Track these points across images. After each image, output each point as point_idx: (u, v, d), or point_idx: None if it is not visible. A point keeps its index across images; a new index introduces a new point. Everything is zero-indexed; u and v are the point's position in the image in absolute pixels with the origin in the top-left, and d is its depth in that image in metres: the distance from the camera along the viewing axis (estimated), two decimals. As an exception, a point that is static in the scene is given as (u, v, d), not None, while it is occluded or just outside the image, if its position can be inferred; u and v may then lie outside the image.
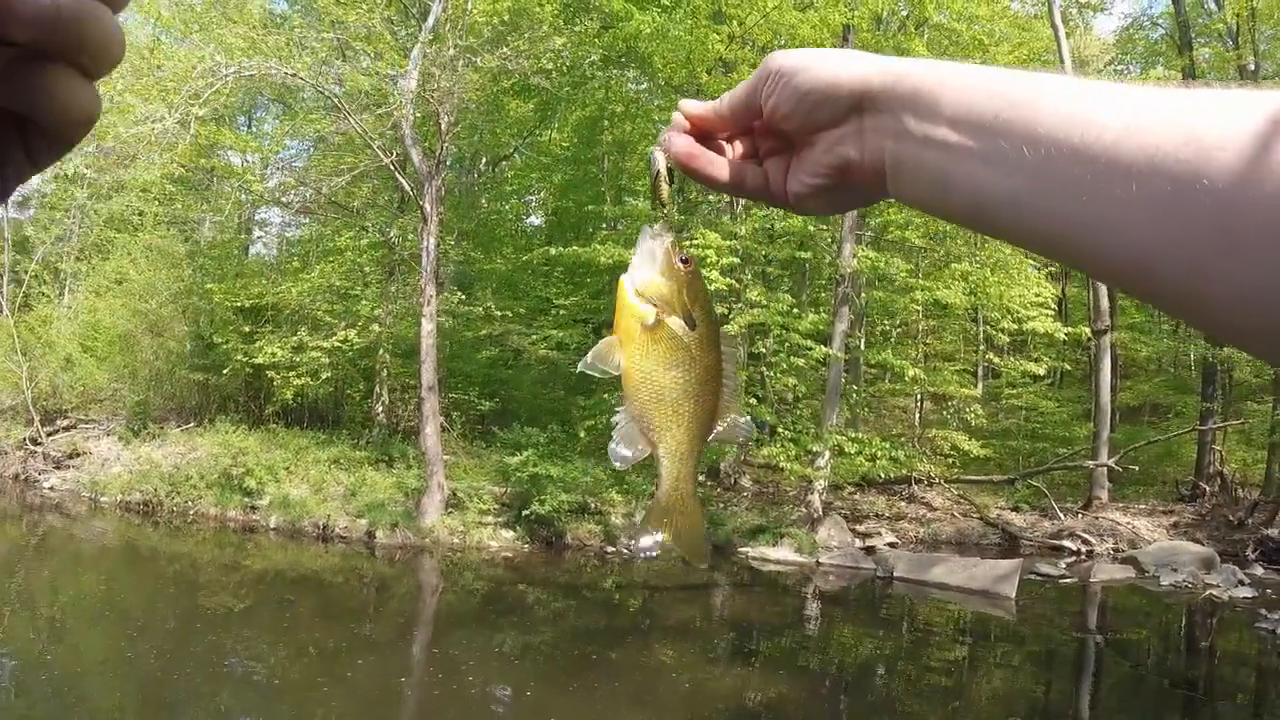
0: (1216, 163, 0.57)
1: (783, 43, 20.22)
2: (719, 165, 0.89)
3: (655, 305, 0.94)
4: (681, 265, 0.95)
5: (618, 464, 0.99)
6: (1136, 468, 21.85)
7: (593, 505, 17.95)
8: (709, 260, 17.86)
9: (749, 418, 1.03)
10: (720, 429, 0.98)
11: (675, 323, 0.94)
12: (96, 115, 0.51)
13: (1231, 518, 20.52)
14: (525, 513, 17.11)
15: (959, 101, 0.71)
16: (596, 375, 0.96)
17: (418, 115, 18.32)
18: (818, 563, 17.17)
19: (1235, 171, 0.56)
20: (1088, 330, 22.57)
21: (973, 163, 0.69)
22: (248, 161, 26.55)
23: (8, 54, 0.47)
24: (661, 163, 0.92)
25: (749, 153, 0.90)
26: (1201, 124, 0.58)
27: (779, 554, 17.48)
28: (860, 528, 19.45)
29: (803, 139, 0.84)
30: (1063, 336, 21.70)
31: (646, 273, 0.95)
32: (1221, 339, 0.66)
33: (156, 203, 27.68)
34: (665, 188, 0.94)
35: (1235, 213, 0.56)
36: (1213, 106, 0.59)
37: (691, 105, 0.91)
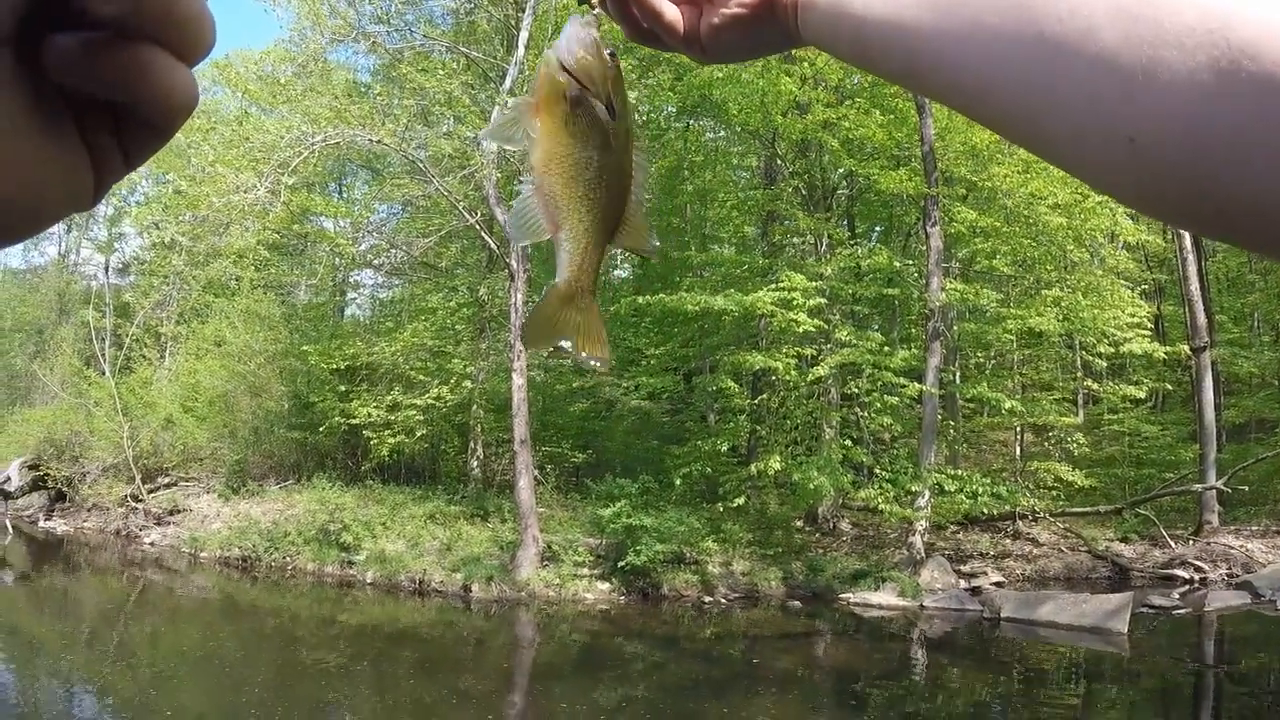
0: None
1: (855, 82, 20.16)
2: None
3: (579, 81, 0.87)
4: (609, 55, 0.89)
5: (514, 240, 0.98)
6: (1247, 488, 21.10)
7: (688, 555, 17.84)
8: (796, 303, 17.78)
9: (654, 236, 0.98)
10: (625, 235, 0.92)
11: (597, 105, 0.88)
12: (195, 101, 0.49)
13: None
14: (620, 564, 17.07)
15: None
16: (498, 144, 0.95)
17: (500, 175, 18.61)
18: (922, 606, 16.81)
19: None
20: (1186, 348, 21.93)
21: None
22: (339, 226, 27.18)
23: (96, 38, 0.44)
24: None
25: None
26: None
27: (881, 598, 17.15)
28: (964, 568, 19.00)
29: None
30: (1162, 356, 21.11)
31: (573, 48, 0.88)
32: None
33: (253, 268, 28.50)
34: None
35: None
36: None
37: None
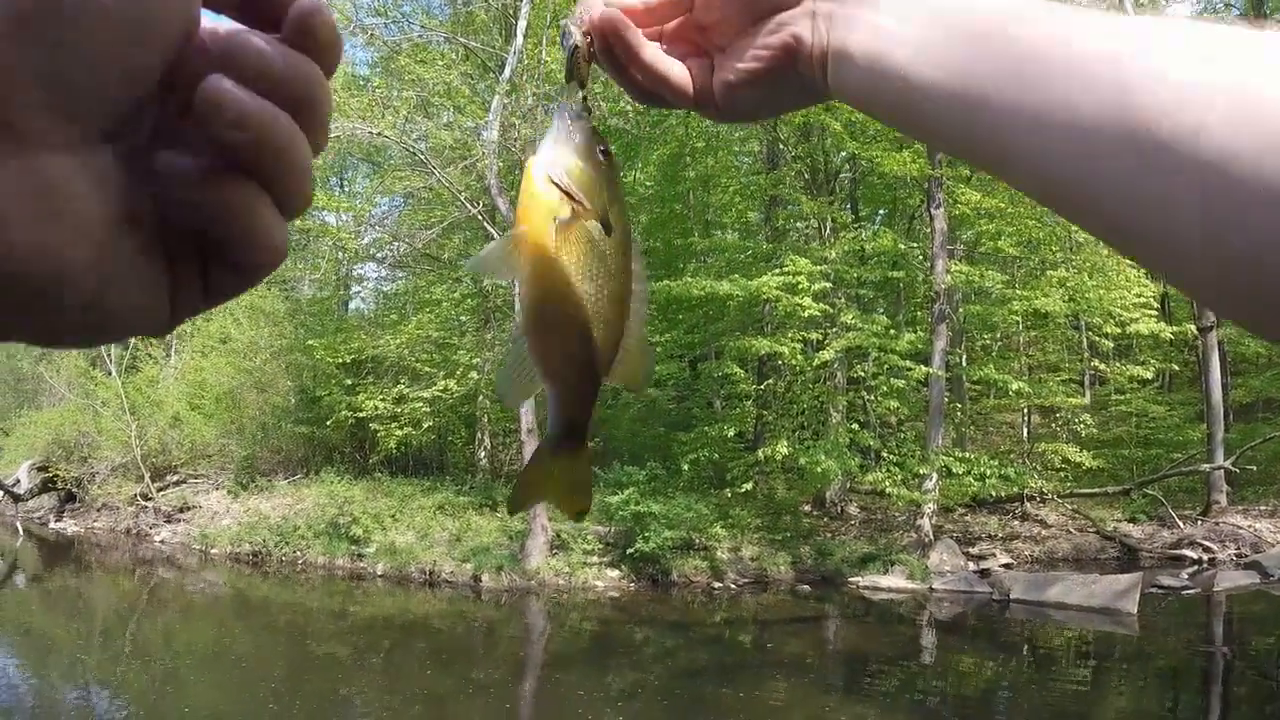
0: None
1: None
2: (648, 49, 0.76)
3: (569, 196, 0.75)
4: (602, 155, 0.78)
5: (508, 403, 0.87)
6: (1255, 468, 21.06)
7: (697, 541, 17.86)
8: (801, 287, 17.76)
9: (653, 360, 0.87)
10: (621, 365, 0.81)
11: (591, 223, 0.76)
12: (282, 258, 0.47)
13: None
14: (629, 551, 17.10)
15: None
16: (486, 280, 0.85)
17: (502, 165, 18.58)
18: (931, 589, 16.82)
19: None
20: (1193, 328, 21.88)
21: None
22: (342, 220, 27.15)
23: (211, 165, 0.43)
24: (578, 35, 0.77)
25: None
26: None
27: (890, 582, 17.17)
28: (973, 550, 19.01)
29: (732, 32, 0.76)
30: (1169, 336, 21.05)
31: (562, 157, 0.76)
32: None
33: (257, 265, 28.42)
34: (584, 65, 0.78)
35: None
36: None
37: None
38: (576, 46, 0.77)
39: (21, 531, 24.60)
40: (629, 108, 20.19)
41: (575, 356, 0.78)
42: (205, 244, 0.46)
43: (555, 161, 0.76)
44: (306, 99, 0.45)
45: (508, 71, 18.44)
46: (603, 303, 0.77)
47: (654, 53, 0.76)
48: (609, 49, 0.76)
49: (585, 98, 0.80)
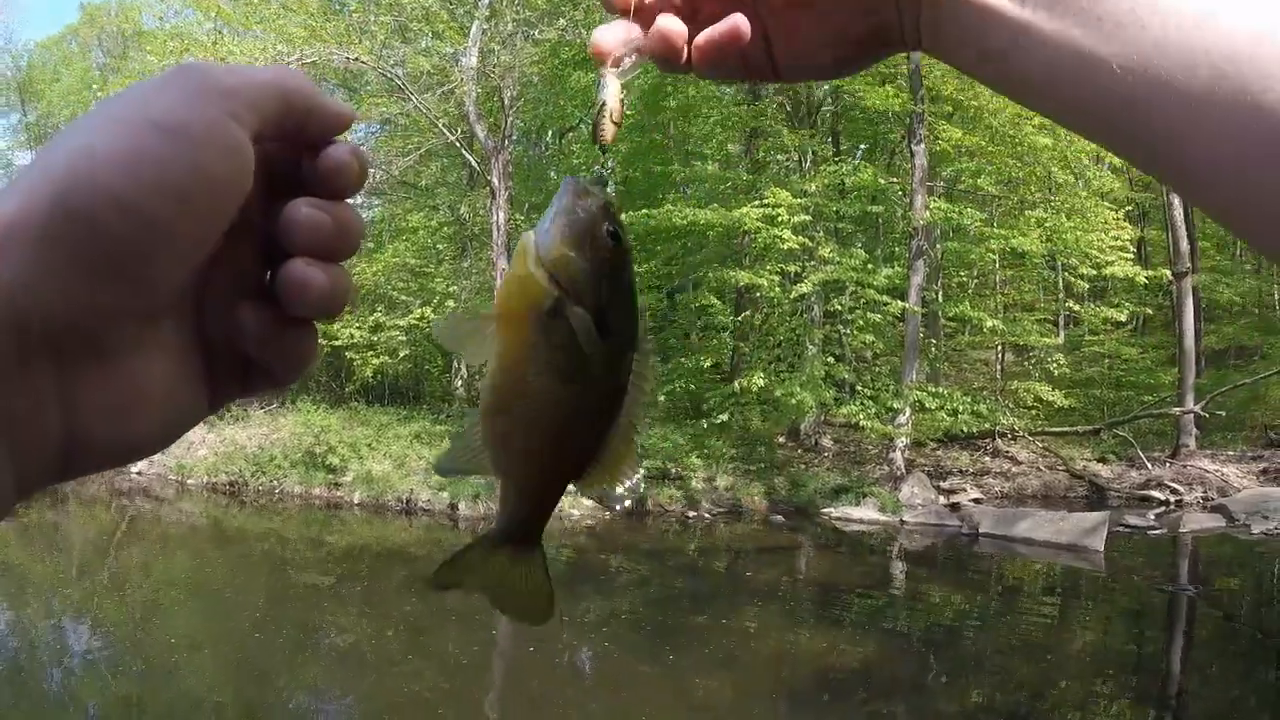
0: None
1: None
2: (701, 45, 0.68)
3: (560, 286, 0.64)
4: (609, 240, 0.65)
5: (443, 475, 0.72)
6: (1224, 413, 21.32)
7: (673, 471, 18.00)
8: (780, 219, 17.71)
9: (640, 475, 0.72)
10: (595, 478, 0.69)
11: (580, 318, 0.63)
12: (312, 364, 0.55)
13: (1326, 461, 19.97)
14: (605, 480, 17.18)
15: None
16: (450, 353, 0.71)
17: (480, 91, 18.39)
18: (902, 521, 17.04)
19: None
20: (1168, 274, 21.99)
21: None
22: (317, 146, 26.79)
23: (277, 317, 0.51)
24: (614, 88, 0.69)
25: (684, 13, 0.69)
26: None
27: (862, 513, 17.37)
28: (944, 484, 19.23)
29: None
30: (1143, 281, 21.14)
31: (559, 237, 0.65)
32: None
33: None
34: (611, 125, 0.69)
35: None
36: None
37: None
38: (605, 103, 0.69)
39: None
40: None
41: (537, 458, 0.67)
42: (250, 359, 0.53)
43: (550, 242, 0.65)
44: (350, 246, 0.52)
45: (487, -4, 18.16)
46: (583, 407, 0.66)
47: (707, 42, 0.68)
48: (669, 64, 0.69)
49: (604, 165, 0.71)
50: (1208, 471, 19.93)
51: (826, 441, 21.68)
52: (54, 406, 0.44)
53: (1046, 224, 20.06)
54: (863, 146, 26.38)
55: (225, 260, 0.49)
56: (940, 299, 22.27)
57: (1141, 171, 0.63)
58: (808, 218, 18.48)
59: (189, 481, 20.69)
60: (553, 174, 28.03)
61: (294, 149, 0.52)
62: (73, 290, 0.42)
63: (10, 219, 0.41)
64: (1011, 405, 21.34)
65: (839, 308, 19.77)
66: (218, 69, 0.47)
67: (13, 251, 0.41)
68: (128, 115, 0.44)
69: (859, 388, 19.22)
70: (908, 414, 18.58)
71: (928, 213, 18.86)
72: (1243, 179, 0.54)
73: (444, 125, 19.22)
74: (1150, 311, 27.51)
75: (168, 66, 0.58)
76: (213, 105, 0.45)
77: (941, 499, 18.34)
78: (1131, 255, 22.33)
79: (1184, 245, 22.30)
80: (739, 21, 0.66)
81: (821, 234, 19.82)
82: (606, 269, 0.65)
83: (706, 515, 17.45)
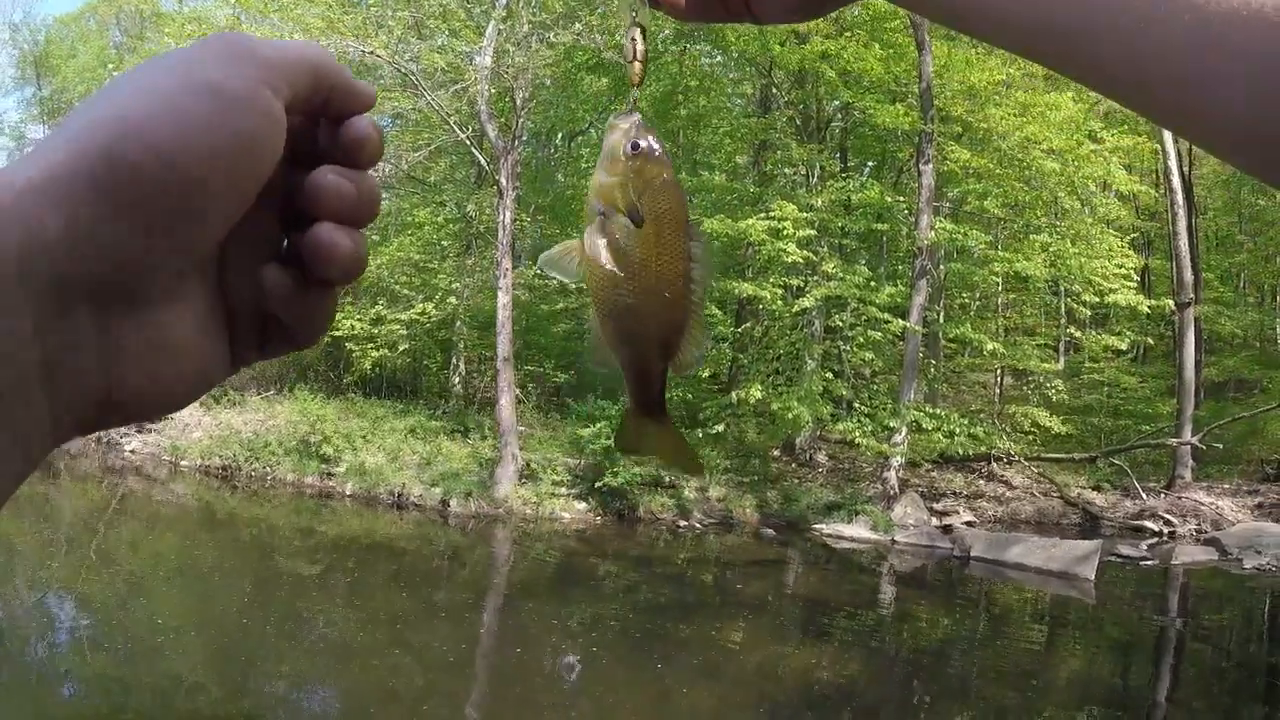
0: None
1: (855, 13, 19.89)
2: None
3: (603, 202, 0.81)
4: (630, 151, 0.80)
5: (596, 369, 0.90)
6: (1221, 445, 21.25)
7: (666, 479, 17.99)
8: (786, 232, 17.72)
9: (709, 344, 0.89)
10: (681, 354, 0.85)
11: (620, 221, 0.80)
12: (330, 326, 0.57)
13: (1321, 499, 19.91)
14: (598, 485, 17.20)
15: None
16: (557, 278, 0.92)
17: (493, 91, 18.40)
18: (893, 541, 17.02)
19: None
20: (1171, 303, 21.98)
21: None
22: (328, 136, 26.81)
23: (300, 278, 0.53)
24: (634, 32, 0.82)
25: None
26: None
27: (854, 531, 17.36)
28: (937, 506, 19.22)
29: None
30: (1146, 310, 21.11)
31: (599, 165, 0.82)
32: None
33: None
34: (639, 64, 0.83)
35: None
36: None
37: None
38: (635, 39, 0.82)
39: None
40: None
41: (631, 341, 0.84)
42: (270, 320, 0.55)
43: (596, 172, 0.82)
44: (371, 213, 0.54)
45: (504, -5, 18.18)
46: (634, 290, 0.81)
47: None
48: (657, 3, 0.77)
49: (636, 98, 0.84)
50: (1202, 504, 19.88)
51: (821, 457, 21.68)
52: (91, 354, 0.45)
53: (1051, 249, 20.05)
54: (870, 163, 26.40)
55: (248, 223, 0.51)
56: (941, 319, 22.26)
57: (1122, 106, 0.62)
58: (813, 232, 18.49)
59: (182, 463, 20.67)
60: (560, 177, 28.10)
61: (313, 121, 0.54)
62: (118, 241, 0.44)
63: (60, 168, 0.43)
64: (1008, 429, 21.33)
65: (840, 324, 19.75)
66: (257, 40, 0.49)
67: (62, 200, 0.43)
68: (174, 76, 0.46)
69: (856, 405, 19.20)
70: (904, 433, 18.57)
71: (932, 233, 18.86)
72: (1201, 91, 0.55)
73: (455, 123, 19.23)
74: (1151, 341, 27.53)
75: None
76: (253, 73, 0.48)
77: (934, 520, 18.33)
78: (1135, 284, 22.33)
79: (1188, 276, 22.30)
80: None
81: (826, 249, 19.81)
82: (628, 173, 0.80)
83: (697, 525, 17.44)
